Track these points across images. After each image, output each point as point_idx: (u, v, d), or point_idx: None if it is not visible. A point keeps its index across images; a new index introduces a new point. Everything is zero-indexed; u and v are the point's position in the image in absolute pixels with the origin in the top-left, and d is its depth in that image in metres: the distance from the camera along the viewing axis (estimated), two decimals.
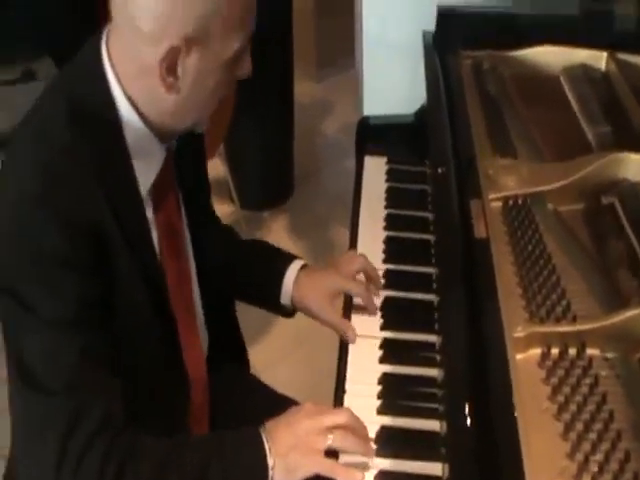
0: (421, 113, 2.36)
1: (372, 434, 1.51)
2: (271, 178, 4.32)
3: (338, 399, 1.61)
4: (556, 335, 1.36)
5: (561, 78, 2.11)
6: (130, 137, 1.45)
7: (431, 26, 2.28)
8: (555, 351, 1.36)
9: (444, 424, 1.50)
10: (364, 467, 1.46)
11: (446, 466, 1.43)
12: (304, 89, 4.95)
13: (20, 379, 1.36)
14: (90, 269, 1.38)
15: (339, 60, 5.23)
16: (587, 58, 2.14)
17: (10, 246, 1.36)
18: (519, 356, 1.34)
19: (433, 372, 1.64)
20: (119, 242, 1.42)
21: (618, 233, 1.57)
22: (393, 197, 2.21)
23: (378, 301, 1.84)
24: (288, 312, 1.91)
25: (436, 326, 1.73)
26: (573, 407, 1.27)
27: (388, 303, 1.83)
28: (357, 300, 1.83)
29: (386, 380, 1.63)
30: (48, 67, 3.25)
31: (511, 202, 1.67)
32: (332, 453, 1.45)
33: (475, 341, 1.38)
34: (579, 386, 1.30)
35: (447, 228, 1.71)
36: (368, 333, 1.75)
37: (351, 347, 1.72)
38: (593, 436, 1.22)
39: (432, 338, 1.71)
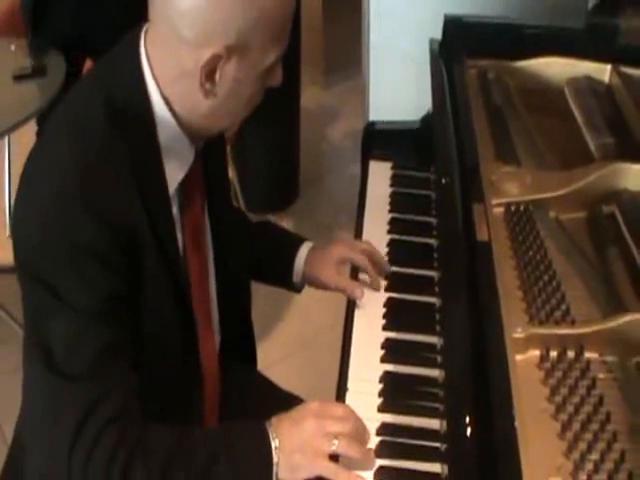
0: (427, 119, 2.38)
1: (373, 431, 1.53)
2: (276, 182, 4.34)
3: (340, 396, 1.63)
4: (555, 337, 1.39)
5: (565, 90, 2.12)
6: (163, 137, 1.48)
7: (438, 34, 2.29)
8: (554, 353, 1.38)
9: (444, 423, 1.52)
10: (364, 468, 1.48)
11: (445, 465, 1.45)
12: (311, 95, 4.97)
13: (43, 362, 1.38)
14: (122, 265, 1.41)
15: (346, 67, 5.24)
16: (591, 70, 2.15)
17: (46, 237, 1.38)
18: (518, 357, 1.36)
19: (434, 372, 1.65)
20: (149, 239, 1.45)
21: (618, 242, 1.58)
22: (397, 202, 2.23)
23: (383, 283, 1.90)
24: (297, 288, 2.00)
25: (437, 327, 1.76)
26: (570, 408, 1.29)
27: (391, 304, 1.86)
28: (363, 276, 1.91)
29: (387, 379, 1.65)
30: (58, 63, 3.26)
31: (513, 208, 1.69)
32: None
33: (476, 342, 1.41)
34: (577, 388, 1.32)
35: (450, 233, 1.73)
36: (370, 334, 1.78)
37: (353, 345, 1.75)
38: (589, 436, 1.24)
39: (433, 339, 1.73)
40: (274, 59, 1.44)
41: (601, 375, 1.35)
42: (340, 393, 1.64)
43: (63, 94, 1.54)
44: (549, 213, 1.69)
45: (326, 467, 1.45)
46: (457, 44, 2.23)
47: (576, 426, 1.26)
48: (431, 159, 2.23)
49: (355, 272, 1.95)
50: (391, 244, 2.05)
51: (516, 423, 1.22)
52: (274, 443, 1.45)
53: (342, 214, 4.04)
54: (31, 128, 3.12)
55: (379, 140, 2.45)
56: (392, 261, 1.99)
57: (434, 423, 1.55)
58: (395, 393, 1.62)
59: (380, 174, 2.35)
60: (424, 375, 1.66)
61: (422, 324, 1.78)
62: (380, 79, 3.13)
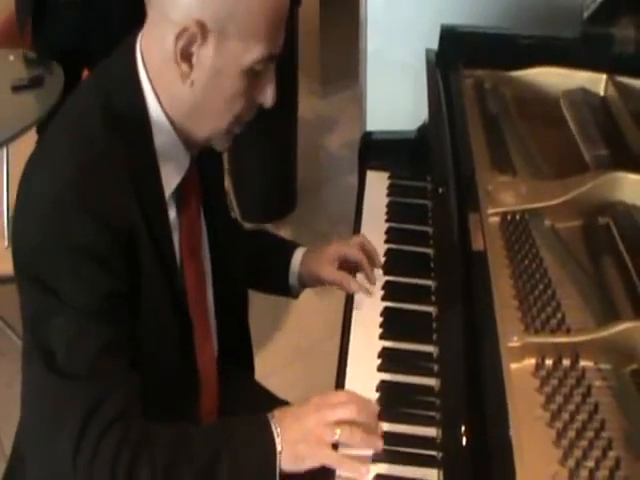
0: (423, 129, 2.39)
1: None
2: (274, 191, 4.35)
3: None
4: (550, 346, 1.39)
5: (561, 101, 2.13)
6: (159, 141, 1.49)
7: (434, 44, 2.30)
8: (549, 361, 1.38)
9: (440, 431, 1.52)
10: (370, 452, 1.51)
11: (441, 472, 1.46)
12: (308, 105, 4.98)
13: (44, 364, 1.39)
14: (120, 266, 1.42)
15: (343, 77, 5.26)
16: (586, 81, 2.16)
17: (45, 239, 1.39)
18: (514, 365, 1.37)
19: (431, 381, 1.66)
20: (146, 242, 1.46)
21: (613, 252, 1.59)
22: (394, 211, 2.24)
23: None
24: (293, 293, 2.03)
25: (434, 336, 1.76)
26: (565, 415, 1.29)
27: (387, 313, 1.87)
28: (358, 275, 1.93)
29: (384, 387, 1.66)
30: (56, 74, 3.28)
31: (509, 217, 1.69)
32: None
33: (471, 350, 1.41)
34: (572, 396, 1.32)
35: (446, 243, 1.74)
36: (367, 343, 1.79)
37: (350, 354, 1.75)
38: (584, 444, 1.24)
39: (430, 348, 1.74)
40: (257, 59, 1.43)
41: (596, 383, 1.35)
42: None
43: (61, 104, 1.55)
44: (545, 222, 1.70)
45: (330, 456, 1.47)
46: (453, 54, 2.24)
47: (571, 434, 1.26)
48: (428, 169, 2.24)
49: (353, 273, 1.96)
50: (388, 253, 2.06)
51: (511, 432, 1.22)
52: (277, 432, 1.46)
53: (339, 224, 4.05)
54: (30, 138, 3.12)
55: (376, 150, 2.46)
56: (389, 270, 2.00)
57: (430, 431, 1.56)
58: (392, 402, 1.62)
59: (377, 184, 2.36)
60: (421, 384, 1.66)
61: (419, 333, 1.78)
62: (377, 89, 3.13)
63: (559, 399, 1.32)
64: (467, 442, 1.30)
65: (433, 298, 1.88)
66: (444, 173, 1.86)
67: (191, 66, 1.42)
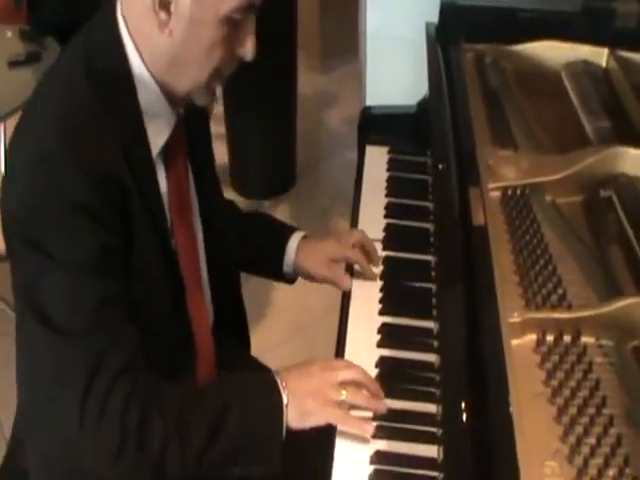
0: (424, 103, 2.37)
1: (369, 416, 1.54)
2: (273, 168, 4.33)
3: None
4: (551, 321, 1.38)
5: (562, 73, 2.11)
6: (143, 98, 1.48)
7: (434, 18, 2.29)
8: (550, 337, 1.37)
9: (440, 407, 1.52)
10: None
11: (441, 448, 1.46)
12: (308, 81, 4.96)
13: (42, 325, 1.37)
14: (113, 220, 1.41)
15: (343, 52, 5.23)
16: (588, 54, 2.14)
17: (35, 197, 1.38)
18: (515, 341, 1.36)
19: (430, 357, 1.66)
20: (136, 199, 1.45)
21: (615, 226, 1.58)
22: (394, 186, 2.22)
23: (378, 269, 1.90)
24: (289, 280, 2.00)
25: (434, 312, 1.76)
26: (567, 392, 1.28)
27: (387, 289, 1.86)
28: (357, 267, 1.90)
29: (384, 363, 1.65)
30: (53, 49, 3.26)
31: (510, 192, 1.68)
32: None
33: (472, 326, 1.40)
34: (573, 372, 1.32)
35: (446, 218, 1.73)
36: (367, 319, 1.78)
37: (349, 330, 1.75)
38: (585, 420, 1.24)
39: (430, 324, 1.73)
40: (234, 7, 1.41)
41: (597, 359, 1.35)
42: None
43: None
44: (546, 197, 1.68)
45: (335, 414, 1.48)
46: (454, 28, 2.22)
47: (572, 410, 1.25)
48: (428, 143, 2.23)
49: (350, 266, 1.93)
50: (388, 228, 2.05)
51: (511, 408, 1.21)
52: (282, 386, 1.47)
53: (339, 200, 4.03)
54: None
55: (375, 125, 2.45)
56: (389, 246, 1.99)
57: (430, 407, 1.55)
58: (391, 378, 1.62)
59: (377, 159, 2.35)
60: (420, 360, 1.66)
61: (419, 309, 1.78)
62: (377, 64, 3.12)
63: (560, 375, 1.31)
64: (467, 418, 1.30)
65: (433, 274, 1.87)
66: (445, 147, 1.85)
67: (169, 14, 1.41)
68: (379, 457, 1.48)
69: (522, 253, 1.54)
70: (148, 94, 1.49)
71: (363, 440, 1.50)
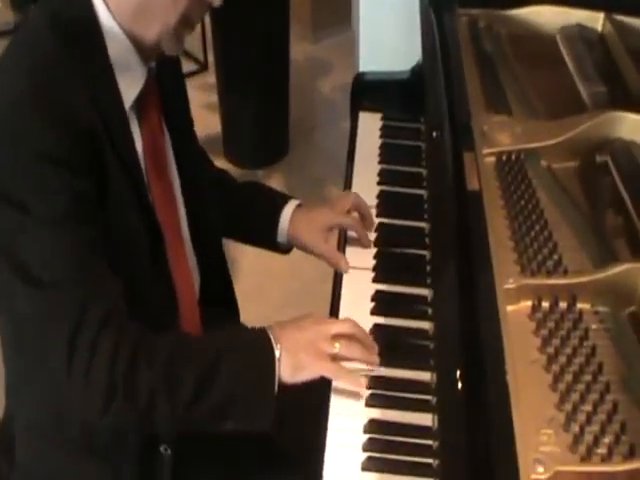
0: (417, 69, 2.35)
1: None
2: (266, 137, 4.31)
3: None
4: (547, 288, 1.37)
5: (557, 38, 2.09)
6: (113, 50, 1.47)
7: None
8: (546, 304, 1.36)
9: (435, 375, 1.51)
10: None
11: (436, 416, 1.45)
12: (300, 50, 4.94)
13: (20, 280, 1.34)
14: (83, 167, 1.38)
15: (335, 22, 5.21)
16: (583, 19, 2.12)
17: (4, 150, 1.36)
18: (510, 308, 1.35)
19: (424, 325, 1.65)
20: (109, 149, 1.43)
21: (611, 191, 1.57)
22: (387, 153, 2.21)
23: (372, 236, 1.89)
24: (284, 250, 1.98)
25: (428, 280, 1.75)
26: (562, 359, 1.27)
27: (380, 256, 1.85)
28: (351, 233, 1.89)
29: (377, 331, 1.64)
30: None
31: (504, 158, 1.67)
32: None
33: (466, 293, 1.39)
34: (569, 338, 1.31)
35: (440, 183, 1.71)
36: (360, 286, 1.77)
37: (343, 298, 1.74)
38: (581, 387, 1.23)
39: (424, 291, 1.72)
40: None
41: (593, 326, 1.34)
42: None
43: None
44: (541, 162, 1.67)
45: (328, 367, 1.48)
46: None
47: (568, 377, 1.24)
48: (421, 110, 2.21)
49: (344, 232, 1.93)
50: (381, 195, 2.03)
51: (507, 376, 1.20)
52: (274, 340, 1.45)
53: (333, 167, 4.01)
54: None
55: (368, 91, 2.43)
56: (382, 213, 1.98)
57: (425, 375, 1.55)
58: (385, 346, 1.60)
59: (370, 125, 2.33)
60: (414, 327, 1.65)
61: (412, 276, 1.77)
62: (370, 29, 3.08)
63: (556, 342, 1.30)
64: (462, 386, 1.28)
65: (427, 240, 1.86)
66: (438, 114, 1.83)
67: None
68: (373, 425, 1.47)
69: (517, 219, 1.53)
70: (118, 46, 1.48)
71: (357, 408, 1.49)
